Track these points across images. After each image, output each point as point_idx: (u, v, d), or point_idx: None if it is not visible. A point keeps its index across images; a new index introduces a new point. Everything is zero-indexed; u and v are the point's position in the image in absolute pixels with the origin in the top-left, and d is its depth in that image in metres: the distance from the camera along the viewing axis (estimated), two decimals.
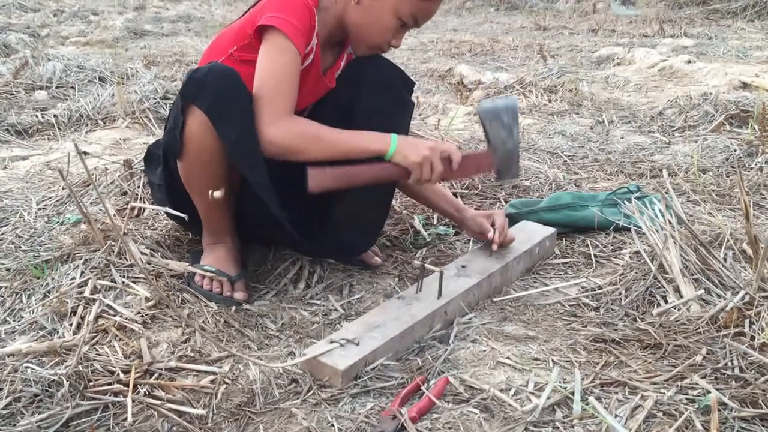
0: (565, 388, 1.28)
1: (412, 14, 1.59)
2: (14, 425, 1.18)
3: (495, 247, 1.75)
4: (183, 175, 1.62)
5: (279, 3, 1.54)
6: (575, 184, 2.49)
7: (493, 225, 1.79)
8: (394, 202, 2.20)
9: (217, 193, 1.46)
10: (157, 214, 2.04)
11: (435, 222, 2.13)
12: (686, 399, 1.24)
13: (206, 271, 1.65)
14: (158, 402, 1.25)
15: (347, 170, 1.53)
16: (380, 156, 1.53)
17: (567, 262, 1.89)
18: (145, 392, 1.28)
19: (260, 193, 1.52)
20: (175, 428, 1.21)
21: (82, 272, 1.66)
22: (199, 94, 1.49)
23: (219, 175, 1.58)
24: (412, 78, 1.76)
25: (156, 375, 1.33)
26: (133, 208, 2.07)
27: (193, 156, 1.56)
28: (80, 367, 1.30)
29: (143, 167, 1.91)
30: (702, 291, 1.55)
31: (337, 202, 1.68)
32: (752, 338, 1.39)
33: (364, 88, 1.67)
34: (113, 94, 3.62)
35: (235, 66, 1.56)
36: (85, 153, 2.71)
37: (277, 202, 1.54)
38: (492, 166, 1.63)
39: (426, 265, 1.58)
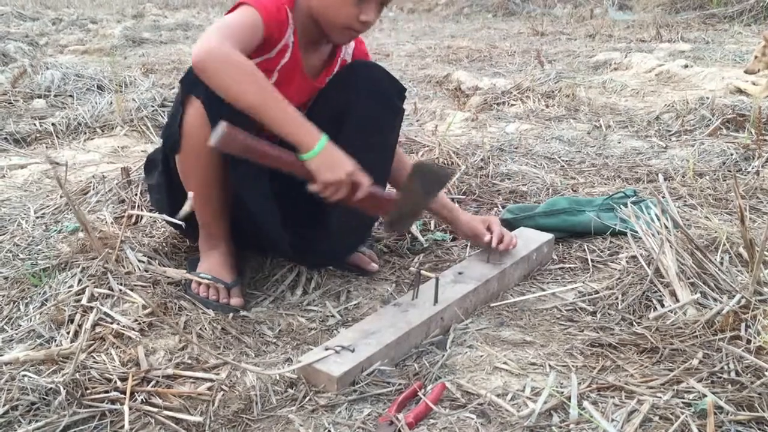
0: (562, 392, 1.28)
1: None
2: None
3: (499, 247, 1.77)
4: (180, 169, 1.63)
5: None
6: (572, 189, 2.49)
7: (489, 230, 1.79)
8: None
9: (188, 204, 1.46)
10: (155, 221, 2.04)
11: (432, 228, 2.13)
12: (682, 403, 1.24)
13: (202, 278, 1.65)
14: (155, 409, 1.26)
15: (261, 147, 1.42)
16: (296, 148, 1.44)
17: (564, 267, 1.89)
18: (142, 400, 1.28)
19: (242, 191, 1.54)
20: None
21: (80, 280, 1.66)
22: (198, 83, 1.49)
23: (214, 171, 1.58)
24: (405, 84, 1.76)
25: (153, 382, 1.34)
26: (130, 216, 2.07)
27: (190, 148, 1.57)
28: (77, 375, 1.30)
29: (143, 174, 1.91)
30: (698, 295, 1.55)
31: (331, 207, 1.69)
32: (748, 342, 1.39)
33: (355, 93, 1.68)
34: (111, 102, 3.62)
35: None
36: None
37: (267, 206, 1.56)
38: (390, 213, 1.58)
39: (422, 271, 1.58)
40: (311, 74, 1.72)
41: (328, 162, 1.43)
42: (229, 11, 1.54)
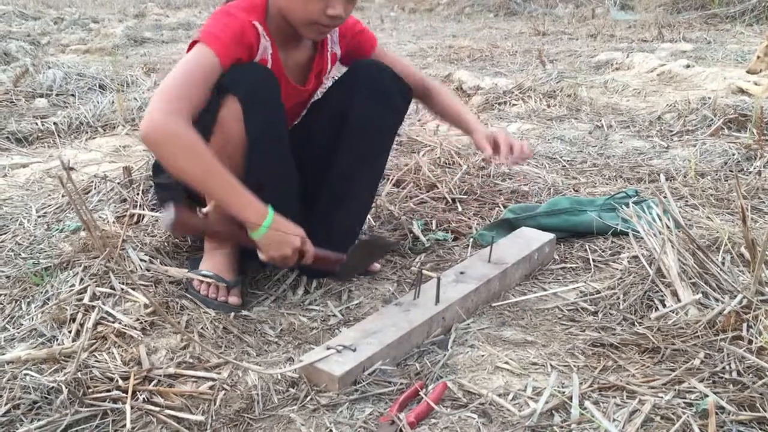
0: (563, 392, 1.28)
1: None
2: None
3: (505, 162, 1.71)
4: None
5: (208, 21, 1.53)
6: (574, 189, 2.49)
7: (495, 144, 1.74)
8: (392, 207, 2.21)
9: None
10: (157, 220, 2.04)
11: (434, 227, 2.13)
12: (684, 403, 1.24)
13: (204, 276, 1.66)
14: (157, 408, 1.26)
15: (212, 227, 1.50)
16: (245, 225, 1.45)
17: (565, 267, 1.89)
18: (144, 399, 1.28)
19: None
20: None
21: (82, 279, 1.66)
22: (237, 83, 1.51)
23: (236, 168, 1.54)
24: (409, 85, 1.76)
25: (155, 381, 1.34)
26: (132, 215, 2.07)
27: (219, 145, 1.52)
28: (79, 374, 1.31)
29: (152, 174, 1.88)
30: (700, 295, 1.55)
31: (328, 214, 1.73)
32: (750, 342, 1.39)
33: (356, 92, 1.68)
34: (113, 102, 3.63)
35: None
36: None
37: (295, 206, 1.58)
38: (335, 268, 1.62)
39: (424, 271, 1.58)
40: (296, 76, 1.69)
41: (274, 240, 1.46)
42: (189, 48, 1.51)
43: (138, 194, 2.25)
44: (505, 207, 2.27)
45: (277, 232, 1.45)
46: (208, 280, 1.65)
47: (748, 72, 3.91)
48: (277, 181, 1.61)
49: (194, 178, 1.41)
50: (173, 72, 1.45)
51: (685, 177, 2.55)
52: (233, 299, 1.66)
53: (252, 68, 1.54)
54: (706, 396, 1.23)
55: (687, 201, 2.30)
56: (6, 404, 1.23)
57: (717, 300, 1.54)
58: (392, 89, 1.71)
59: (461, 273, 1.69)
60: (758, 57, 3.85)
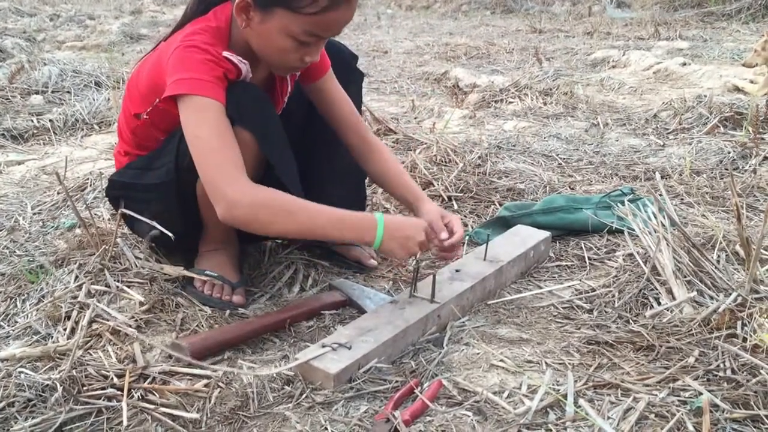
0: (558, 390, 1.28)
1: (308, 32, 1.41)
2: (8, 430, 1.18)
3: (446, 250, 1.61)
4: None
5: (178, 62, 1.44)
6: (570, 187, 2.49)
7: (448, 227, 1.64)
8: (388, 205, 2.21)
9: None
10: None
11: None
12: (678, 400, 1.24)
13: (208, 276, 1.65)
14: (152, 406, 1.26)
15: (234, 332, 1.48)
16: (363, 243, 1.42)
17: (561, 265, 1.89)
18: (138, 396, 1.28)
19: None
20: None
21: (77, 277, 1.66)
22: (244, 116, 1.49)
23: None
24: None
25: (150, 379, 1.34)
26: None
27: None
28: (74, 371, 1.30)
29: (119, 201, 1.69)
30: (694, 293, 1.55)
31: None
32: (744, 340, 1.40)
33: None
34: (109, 99, 3.62)
35: (149, 130, 1.57)
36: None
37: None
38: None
39: (420, 268, 1.58)
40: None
41: (397, 245, 1.47)
42: (165, 100, 1.45)
43: None
44: (500, 205, 2.27)
45: (395, 236, 1.46)
46: (212, 280, 1.65)
47: (744, 65, 3.92)
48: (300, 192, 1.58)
49: (297, 232, 1.46)
50: (200, 146, 1.41)
51: (680, 175, 2.56)
52: (237, 298, 1.66)
53: (243, 91, 1.51)
54: (701, 394, 1.24)
55: (682, 199, 2.31)
56: (0, 402, 1.23)
57: (712, 298, 1.55)
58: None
59: (457, 271, 1.69)
60: (755, 51, 3.85)
